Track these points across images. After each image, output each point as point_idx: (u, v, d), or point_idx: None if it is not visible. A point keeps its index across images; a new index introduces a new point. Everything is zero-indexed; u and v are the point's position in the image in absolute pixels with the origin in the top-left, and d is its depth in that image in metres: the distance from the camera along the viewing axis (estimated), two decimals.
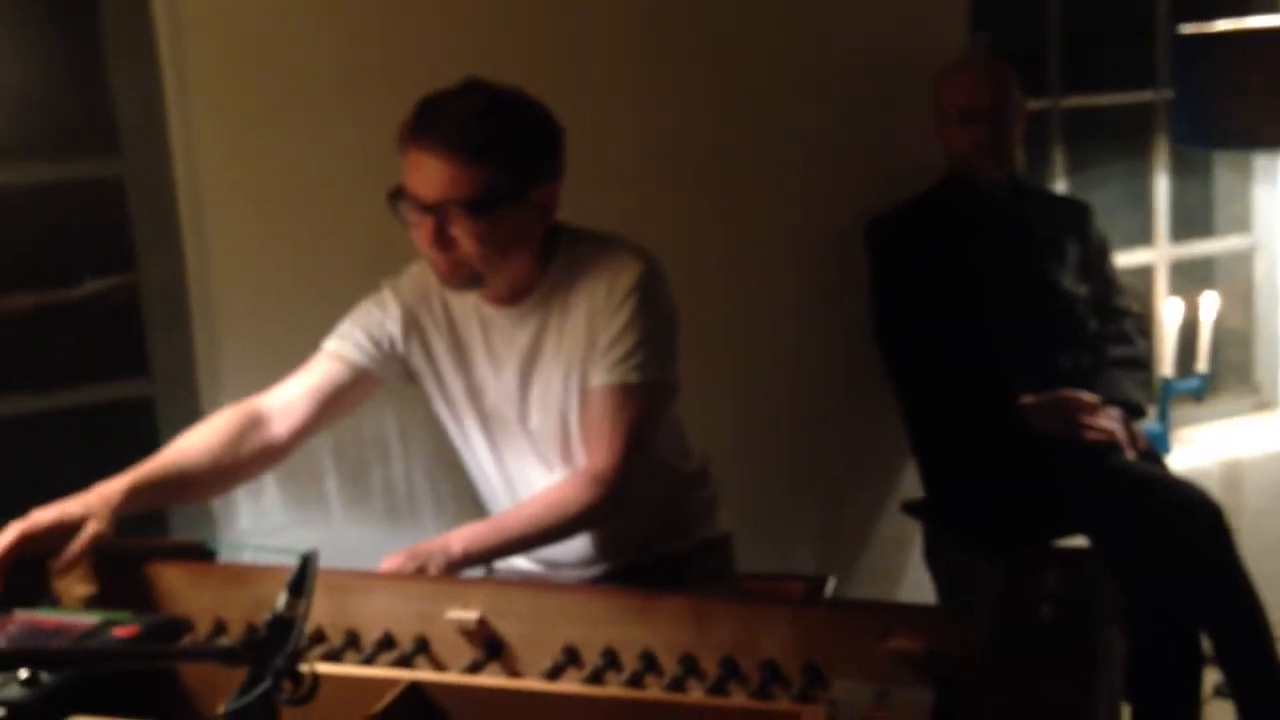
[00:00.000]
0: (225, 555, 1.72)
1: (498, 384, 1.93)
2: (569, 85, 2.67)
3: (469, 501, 2.22)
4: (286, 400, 1.90)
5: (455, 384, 1.95)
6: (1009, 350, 2.75)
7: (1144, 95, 3.45)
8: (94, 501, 1.69)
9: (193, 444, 1.83)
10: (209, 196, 2.49)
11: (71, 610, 1.62)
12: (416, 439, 2.62)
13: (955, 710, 1.33)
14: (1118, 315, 2.92)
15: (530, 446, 1.94)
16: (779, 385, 3.01)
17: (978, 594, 2.76)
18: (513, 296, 1.90)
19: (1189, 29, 3.03)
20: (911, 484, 3.04)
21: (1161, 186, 3.52)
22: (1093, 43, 3.46)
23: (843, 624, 1.48)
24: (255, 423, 1.87)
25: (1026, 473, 2.66)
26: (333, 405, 1.92)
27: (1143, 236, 3.55)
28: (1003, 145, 2.79)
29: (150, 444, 2.57)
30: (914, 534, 3.06)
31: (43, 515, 1.65)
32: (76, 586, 1.68)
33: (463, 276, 1.82)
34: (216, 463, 1.83)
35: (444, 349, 1.94)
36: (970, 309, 2.74)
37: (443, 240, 1.78)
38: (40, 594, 1.71)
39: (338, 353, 1.93)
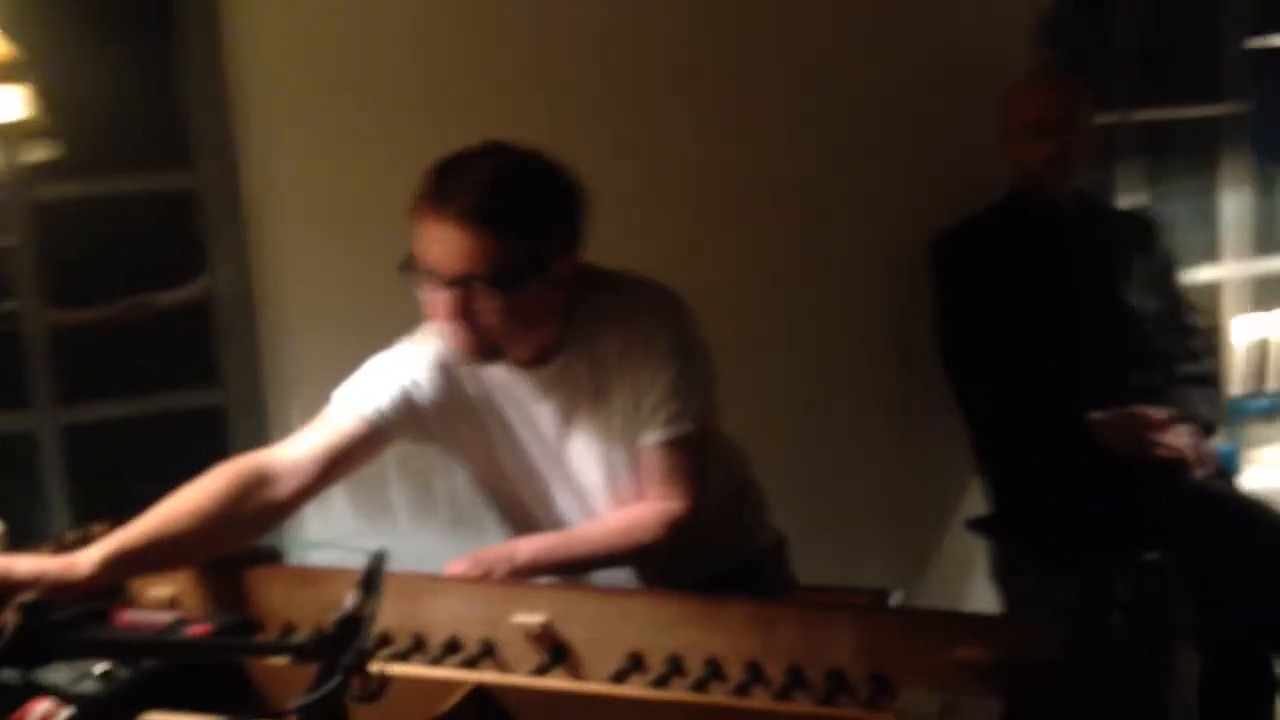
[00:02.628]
0: (294, 555, 1.73)
1: (537, 443, 1.90)
2: (634, 99, 2.70)
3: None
4: (296, 459, 1.77)
5: (491, 449, 1.91)
6: (1077, 367, 2.72)
7: (1214, 109, 3.41)
8: (49, 570, 1.55)
9: (183, 507, 1.67)
10: (277, 209, 2.54)
11: (149, 609, 1.65)
12: None
13: None
14: (1187, 332, 2.88)
15: (573, 500, 1.93)
16: (841, 400, 3.00)
17: (1048, 611, 2.72)
18: (536, 360, 1.84)
19: (1261, 42, 2.99)
20: (975, 501, 3.01)
21: (1230, 202, 3.47)
22: (1161, 56, 3.42)
23: (909, 632, 1.47)
24: (259, 481, 1.73)
25: (1097, 489, 2.62)
26: (344, 464, 1.81)
27: (1212, 253, 3.50)
28: (1071, 160, 2.76)
29: (220, 452, 2.62)
30: (978, 552, 3.03)
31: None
32: (152, 587, 1.70)
33: (482, 351, 1.76)
34: (208, 525, 1.67)
35: (478, 413, 1.88)
36: (1037, 325, 2.72)
37: (464, 315, 1.70)
38: (115, 593, 1.74)
39: (360, 413, 1.82)
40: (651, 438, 1.84)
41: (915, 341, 2.93)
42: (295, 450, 1.79)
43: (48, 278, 2.50)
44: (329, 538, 2.56)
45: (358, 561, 1.40)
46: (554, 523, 1.95)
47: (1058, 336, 2.73)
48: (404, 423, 1.85)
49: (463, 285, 1.69)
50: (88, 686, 1.36)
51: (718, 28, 2.78)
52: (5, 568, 1.52)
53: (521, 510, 1.98)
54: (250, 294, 2.57)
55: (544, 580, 1.86)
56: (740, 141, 2.81)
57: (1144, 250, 2.86)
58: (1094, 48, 3.35)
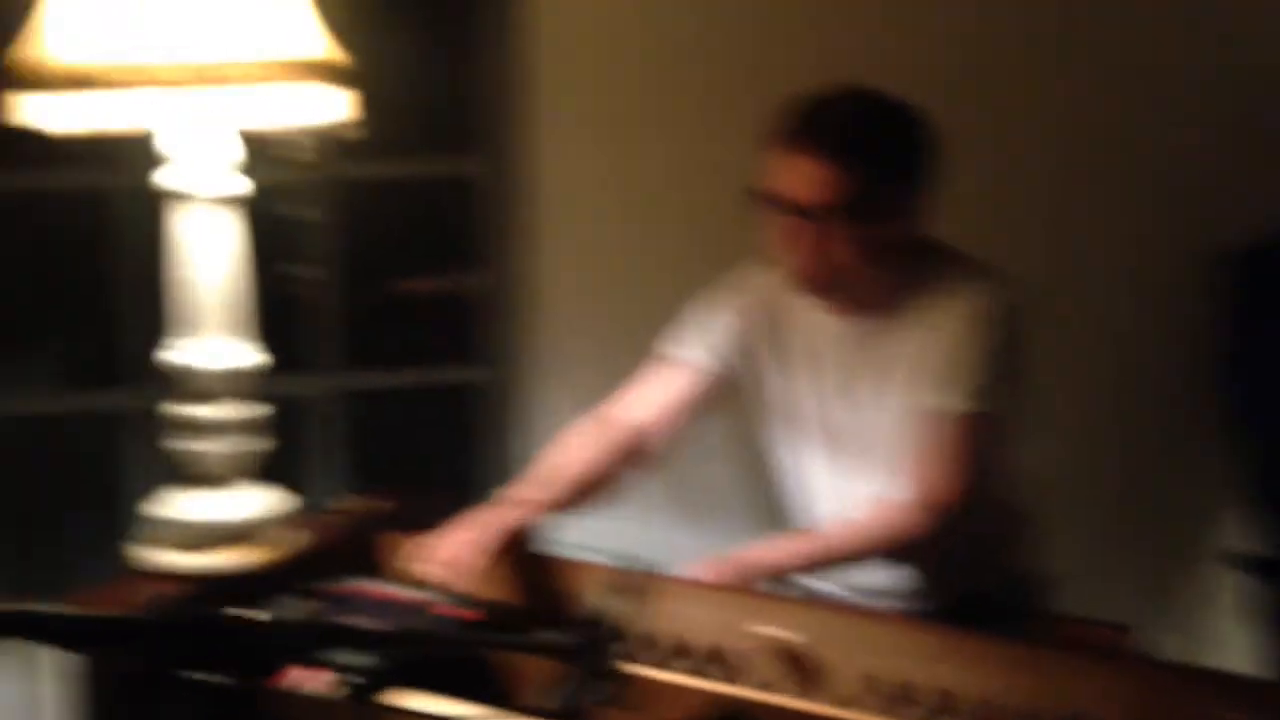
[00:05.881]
0: (542, 544, 1.78)
1: (829, 396, 1.90)
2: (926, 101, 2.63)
3: (784, 512, 2.21)
4: (650, 412, 1.91)
5: (789, 392, 1.93)
6: None
7: None
8: (519, 509, 1.77)
9: (584, 456, 1.87)
10: (552, 199, 2.60)
11: (403, 585, 1.72)
12: (736, 444, 2.64)
13: None
14: None
15: (854, 463, 1.91)
16: (1108, 417, 2.85)
17: None
18: (861, 308, 1.85)
19: None
20: (1232, 534, 2.83)
21: None
22: None
23: (1168, 687, 1.39)
24: (627, 437, 1.89)
25: None
26: (693, 412, 1.94)
27: None
28: None
29: (478, 427, 2.72)
30: (1230, 588, 2.84)
31: (495, 520, 1.75)
32: (411, 564, 1.78)
33: (820, 283, 1.80)
34: (603, 475, 1.86)
35: (779, 358, 1.92)
36: None
37: (809, 245, 1.76)
38: (371, 565, 1.83)
39: (691, 360, 1.93)
40: (939, 401, 1.80)
41: (1189, 359, 2.76)
42: (643, 406, 1.92)
43: (343, 250, 2.65)
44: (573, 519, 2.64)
45: (608, 560, 1.44)
46: (823, 500, 1.95)
47: None
48: (726, 370, 1.93)
49: (813, 215, 1.74)
50: (353, 660, 1.43)
51: (1009, 28, 2.68)
52: (490, 534, 1.72)
53: (798, 490, 1.99)
54: (519, 278, 2.65)
55: (792, 588, 1.86)
56: (1027, 141, 2.70)
57: None
58: None
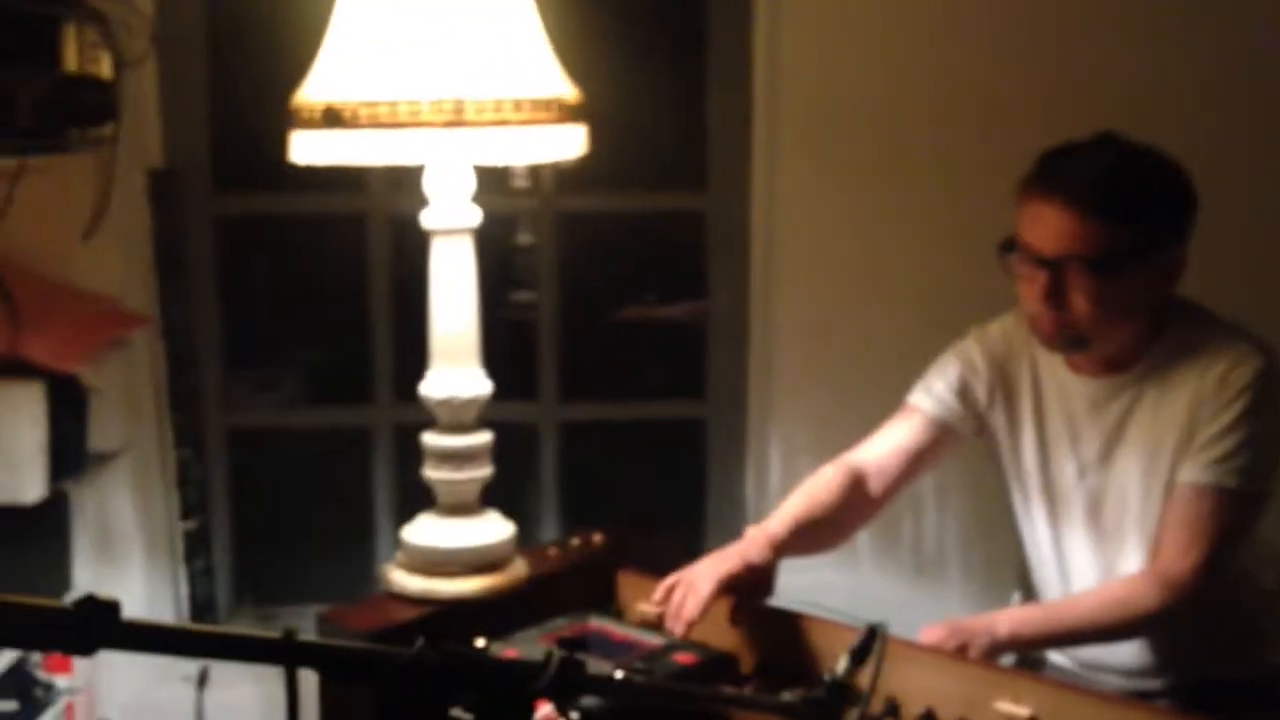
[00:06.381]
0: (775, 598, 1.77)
1: (1072, 457, 1.85)
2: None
3: (1000, 570, 2.15)
4: (880, 457, 1.90)
5: (1028, 450, 1.89)
6: None
7: None
8: (756, 553, 1.74)
9: (818, 498, 1.85)
10: (782, 237, 2.59)
11: (637, 626, 1.74)
12: (953, 498, 2.58)
13: None
14: None
15: (1092, 529, 1.85)
16: None
17: None
18: (1108, 367, 1.81)
19: None
20: None
21: None
22: None
23: None
24: (857, 480, 1.88)
25: None
26: (921, 461, 1.92)
27: None
28: None
29: (696, 465, 2.73)
30: None
31: (728, 567, 1.70)
32: (642, 604, 1.79)
33: (1067, 338, 1.75)
34: (835, 518, 1.85)
35: (1025, 413, 1.89)
36: None
37: (1055, 297, 1.72)
38: (604, 602, 1.85)
39: (923, 409, 1.91)
40: (1191, 474, 1.73)
41: None
42: (879, 451, 1.91)
43: (563, 278, 2.69)
44: (788, 565, 2.61)
45: (835, 617, 1.41)
46: (1063, 566, 1.90)
47: None
48: (967, 418, 1.91)
49: (1058, 266, 1.71)
50: (587, 701, 1.44)
51: None
52: (721, 575, 1.68)
53: (1036, 552, 1.93)
54: (744, 316, 2.65)
55: (1018, 658, 1.80)
56: None
57: None
58: None
